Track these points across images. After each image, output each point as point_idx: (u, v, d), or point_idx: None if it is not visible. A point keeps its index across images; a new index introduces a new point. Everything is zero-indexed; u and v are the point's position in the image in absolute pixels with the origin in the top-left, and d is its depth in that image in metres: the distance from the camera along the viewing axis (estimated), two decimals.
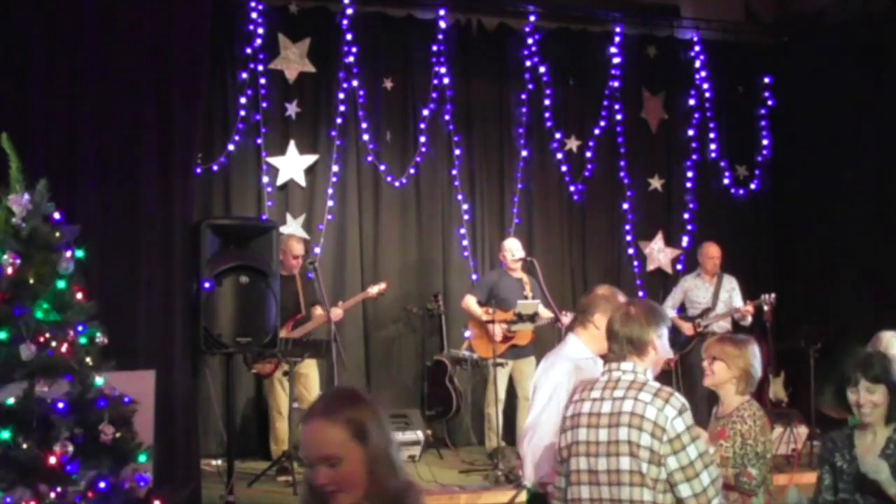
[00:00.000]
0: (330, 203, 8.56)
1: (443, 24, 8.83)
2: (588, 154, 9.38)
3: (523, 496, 4.83)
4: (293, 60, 8.52)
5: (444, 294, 8.63)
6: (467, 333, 8.23)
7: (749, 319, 8.25)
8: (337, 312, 7.52)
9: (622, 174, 9.51)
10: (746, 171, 9.89)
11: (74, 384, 4.02)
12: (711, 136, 9.75)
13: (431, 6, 8.84)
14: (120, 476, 4.04)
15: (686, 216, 9.67)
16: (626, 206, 9.51)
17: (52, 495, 3.81)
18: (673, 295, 8.63)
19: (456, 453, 8.21)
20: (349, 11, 8.54)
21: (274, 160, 8.46)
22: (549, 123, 9.26)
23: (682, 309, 8.55)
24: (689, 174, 9.69)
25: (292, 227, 8.34)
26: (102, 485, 3.94)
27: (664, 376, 3.56)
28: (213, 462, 7.32)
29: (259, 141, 8.41)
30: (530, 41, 9.12)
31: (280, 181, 8.47)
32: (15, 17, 6.00)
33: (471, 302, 7.89)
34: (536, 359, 7.02)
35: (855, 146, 8.97)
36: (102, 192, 6.06)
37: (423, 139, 8.83)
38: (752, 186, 9.90)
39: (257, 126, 8.39)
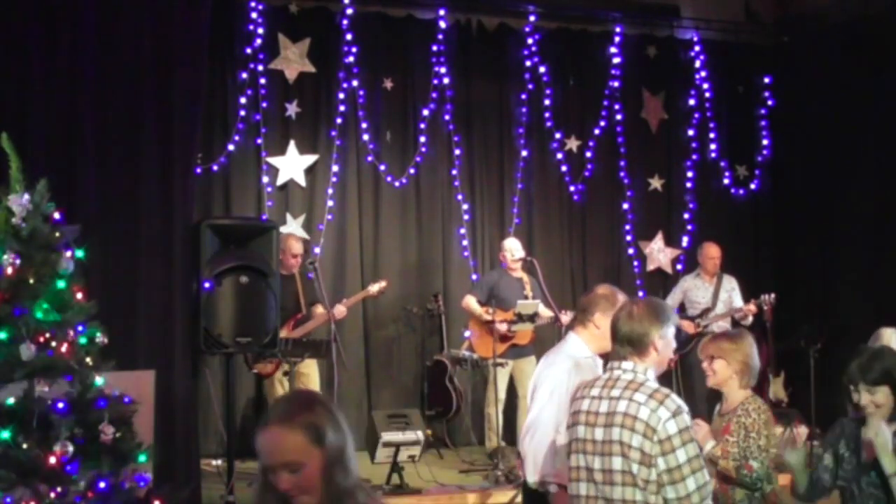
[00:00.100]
0: (330, 203, 8.56)
1: (443, 24, 8.83)
2: (588, 154, 9.38)
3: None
4: (293, 60, 8.52)
5: (444, 294, 8.63)
6: (467, 333, 8.23)
7: (750, 319, 8.25)
8: (341, 310, 7.53)
9: (622, 174, 9.51)
10: (746, 171, 9.89)
11: (74, 384, 4.02)
12: (711, 136, 9.75)
13: (431, 6, 8.83)
14: (120, 476, 4.04)
15: (686, 216, 9.67)
16: (626, 206, 9.51)
17: (52, 495, 3.82)
18: (672, 295, 8.63)
19: (456, 453, 8.21)
20: (349, 11, 8.54)
21: (274, 160, 8.46)
22: (549, 123, 9.26)
23: (681, 309, 8.55)
24: (689, 174, 9.69)
25: (292, 227, 8.34)
26: (102, 485, 3.94)
27: (663, 376, 3.52)
28: (213, 462, 7.33)
29: (259, 141, 8.41)
30: (530, 41, 9.12)
31: (280, 181, 8.47)
32: (15, 17, 6.01)
33: (471, 302, 7.89)
34: (537, 358, 7.00)
35: (855, 146, 8.96)
36: (102, 192, 6.07)
37: (423, 139, 8.83)
38: (752, 186, 9.90)
39: (257, 126, 8.39)
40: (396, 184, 8.77)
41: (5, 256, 3.98)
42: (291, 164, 8.49)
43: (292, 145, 8.50)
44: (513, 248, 7.90)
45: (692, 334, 8.33)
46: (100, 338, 4.22)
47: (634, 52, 9.49)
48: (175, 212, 6.31)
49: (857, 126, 8.92)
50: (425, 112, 8.83)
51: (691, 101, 9.70)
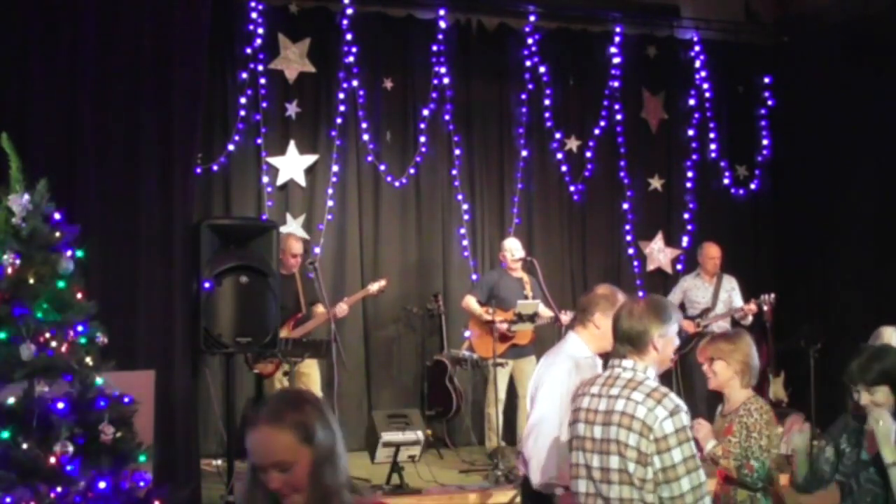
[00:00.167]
0: (330, 203, 8.56)
1: (443, 24, 8.83)
2: (588, 154, 9.38)
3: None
4: (293, 60, 8.52)
5: (444, 294, 8.63)
6: (467, 333, 8.23)
7: (750, 319, 8.25)
8: (343, 308, 7.53)
9: (622, 174, 9.51)
10: (746, 171, 9.89)
11: (74, 384, 4.02)
12: (711, 136, 9.75)
13: (431, 6, 8.83)
14: (120, 476, 4.04)
15: (686, 216, 9.67)
16: (626, 206, 9.51)
17: (52, 495, 3.82)
18: (672, 295, 8.63)
19: (456, 453, 8.21)
20: (349, 11, 8.53)
21: (274, 160, 8.46)
22: (549, 123, 9.26)
23: (681, 309, 8.54)
24: (689, 174, 9.69)
25: (292, 227, 8.34)
26: (102, 485, 3.94)
27: (663, 376, 3.51)
28: (213, 462, 7.33)
29: (259, 141, 8.41)
30: (530, 41, 9.12)
31: (280, 181, 8.47)
32: (15, 18, 6.01)
33: (471, 302, 7.89)
34: (537, 358, 7.00)
35: (855, 146, 8.96)
36: (102, 192, 6.07)
37: (423, 139, 8.83)
38: (752, 186, 9.90)
39: (257, 126, 8.39)
40: (396, 184, 8.77)
41: (5, 256, 3.98)
42: (291, 164, 8.49)
43: (292, 145, 8.50)
44: (513, 248, 7.90)
45: (692, 334, 8.33)
46: (100, 338, 4.22)
47: (634, 52, 9.49)
48: (175, 212, 6.31)
49: (857, 126, 8.91)
50: (425, 112, 8.83)
51: (691, 101, 9.70)
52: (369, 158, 8.72)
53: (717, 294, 8.42)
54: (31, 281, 4.02)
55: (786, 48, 9.81)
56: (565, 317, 7.05)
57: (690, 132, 9.71)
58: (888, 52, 8.55)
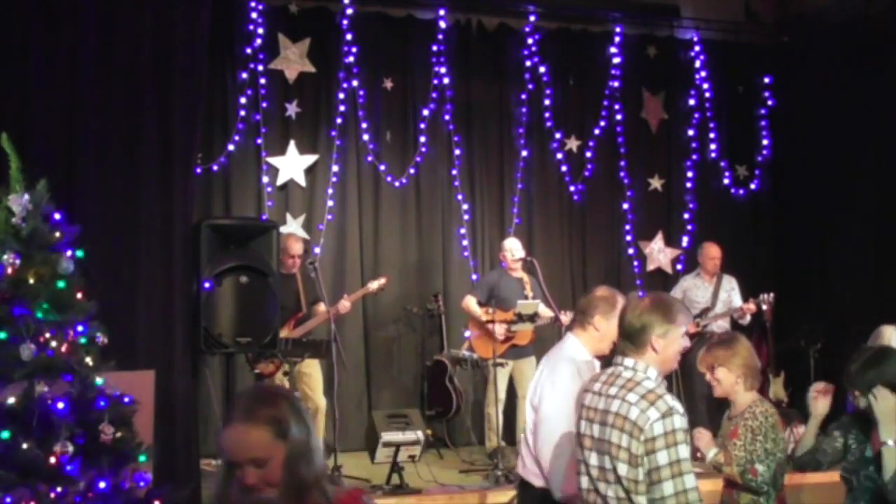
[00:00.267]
0: (330, 203, 8.56)
1: (443, 24, 8.83)
2: (588, 154, 9.38)
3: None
4: (293, 60, 8.52)
5: (444, 294, 8.63)
6: (467, 333, 8.23)
7: (748, 318, 8.25)
8: (345, 305, 7.53)
9: (622, 174, 9.51)
10: (746, 171, 9.89)
11: (74, 384, 4.02)
12: (711, 136, 9.75)
13: (431, 6, 8.83)
14: (120, 476, 4.04)
15: (686, 216, 9.67)
16: (626, 206, 9.51)
17: (52, 495, 3.81)
18: (672, 295, 8.63)
19: (456, 453, 8.21)
20: (349, 11, 8.53)
21: (274, 160, 8.46)
22: (549, 123, 9.26)
23: None
24: (689, 174, 9.69)
25: (292, 227, 8.34)
26: (102, 485, 3.94)
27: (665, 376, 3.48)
28: (213, 462, 7.31)
29: (259, 141, 8.41)
30: (530, 41, 9.12)
31: (280, 181, 8.47)
32: (15, 18, 6.01)
33: (471, 302, 7.89)
34: (537, 359, 7.01)
35: (855, 146, 8.96)
36: (102, 192, 6.07)
37: (423, 139, 8.83)
38: (752, 186, 9.90)
39: (257, 126, 8.39)
40: (396, 184, 8.77)
41: (5, 256, 3.98)
42: (291, 164, 8.49)
43: (292, 145, 8.50)
44: (513, 248, 7.89)
45: (692, 334, 8.32)
46: (100, 338, 4.22)
47: (634, 52, 9.49)
48: (175, 212, 6.30)
49: (857, 126, 8.91)
50: (425, 112, 8.83)
51: (691, 101, 9.70)
52: (369, 158, 8.72)
53: (716, 294, 8.42)
54: (31, 281, 4.01)
55: (786, 48, 9.81)
56: (565, 317, 7.04)
57: (690, 132, 9.71)
58: (888, 52, 8.55)
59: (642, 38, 9.58)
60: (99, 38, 6.11)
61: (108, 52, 6.13)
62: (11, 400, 3.88)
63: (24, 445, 3.82)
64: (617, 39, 9.39)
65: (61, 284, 4.07)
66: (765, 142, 9.93)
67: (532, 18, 9.11)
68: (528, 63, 9.12)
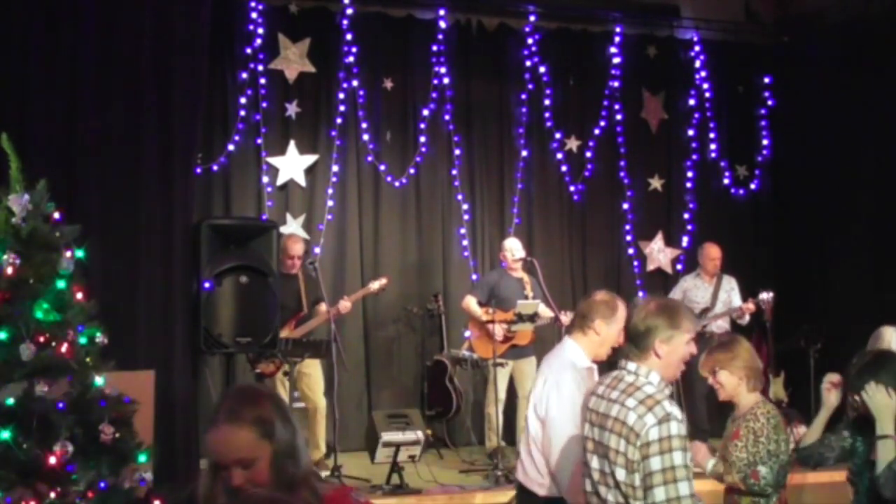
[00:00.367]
0: (330, 203, 8.56)
1: (443, 24, 8.83)
2: (588, 154, 9.37)
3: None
4: (293, 60, 8.52)
5: (444, 294, 8.63)
6: (467, 333, 8.23)
7: (747, 318, 8.25)
8: (346, 305, 7.53)
9: (622, 174, 9.50)
10: (746, 171, 9.89)
11: (74, 384, 4.02)
12: (711, 136, 9.74)
13: (431, 6, 8.83)
14: (120, 476, 4.04)
15: (686, 216, 9.67)
16: (626, 206, 9.51)
17: (52, 495, 3.81)
18: (672, 295, 8.61)
19: (456, 453, 8.21)
20: (349, 11, 8.53)
21: (274, 160, 8.46)
22: (549, 123, 9.26)
23: None
24: (689, 174, 9.69)
25: (292, 227, 8.34)
26: (102, 485, 3.94)
27: None
28: None
29: (259, 141, 8.41)
30: (530, 41, 9.12)
31: (280, 181, 8.47)
32: (15, 18, 6.01)
33: (471, 302, 7.89)
34: (537, 359, 7.02)
35: (855, 146, 8.96)
36: (102, 192, 6.07)
37: (423, 139, 8.83)
38: (752, 186, 9.89)
39: (257, 126, 8.39)
40: (396, 184, 8.76)
41: (5, 256, 3.98)
42: (291, 164, 8.49)
43: (292, 145, 8.50)
44: (513, 248, 7.89)
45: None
46: (100, 338, 4.22)
47: (634, 52, 9.49)
48: (175, 212, 6.31)
49: (857, 126, 8.91)
50: (425, 112, 8.82)
51: (691, 101, 9.70)
52: (369, 158, 8.72)
53: (716, 294, 8.42)
54: (31, 281, 4.01)
55: (786, 48, 9.81)
56: (565, 317, 7.04)
57: (690, 132, 9.71)
58: (888, 52, 8.55)
59: (642, 38, 9.58)
60: (99, 38, 6.12)
61: (108, 53, 6.14)
62: (11, 400, 3.88)
63: (24, 445, 3.82)
64: (617, 39, 9.39)
65: (61, 284, 4.07)
66: (765, 142, 9.92)
67: (532, 18, 9.11)
68: (528, 63, 9.12)
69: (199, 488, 2.39)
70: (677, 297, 8.56)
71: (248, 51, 8.31)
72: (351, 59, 8.58)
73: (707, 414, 8.16)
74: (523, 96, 9.14)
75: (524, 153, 9.18)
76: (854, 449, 3.87)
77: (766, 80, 9.87)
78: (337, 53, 8.58)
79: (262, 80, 8.37)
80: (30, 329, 3.93)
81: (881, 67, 8.64)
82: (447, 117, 8.90)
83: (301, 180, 8.52)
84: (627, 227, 9.52)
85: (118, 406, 4.14)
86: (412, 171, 8.82)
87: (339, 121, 8.60)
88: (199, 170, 7.47)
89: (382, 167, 8.73)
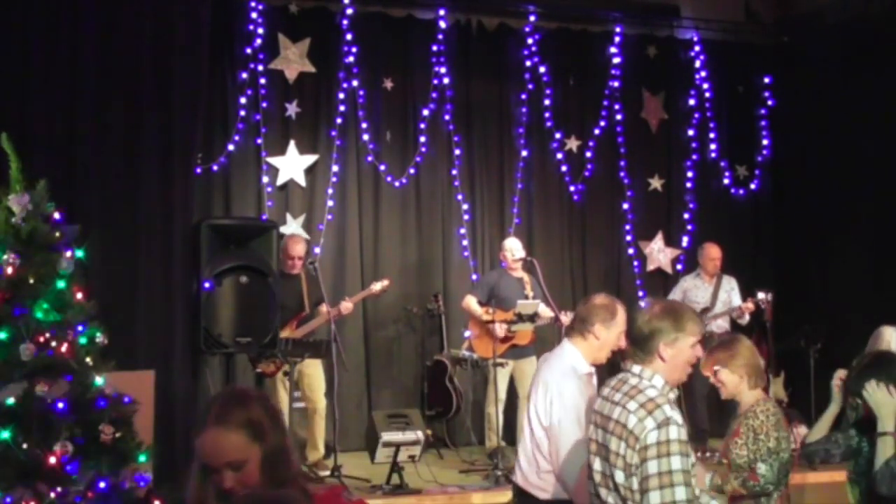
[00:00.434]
0: (330, 203, 8.56)
1: (443, 24, 8.83)
2: (588, 154, 9.37)
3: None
4: (293, 60, 8.51)
5: (444, 294, 8.62)
6: (467, 333, 8.23)
7: (747, 318, 8.25)
8: (347, 306, 7.54)
9: (622, 174, 9.50)
10: (746, 171, 9.89)
11: (74, 384, 4.02)
12: (711, 136, 9.74)
13: (431, 6, 8.83)
14: (120, 476, 4.04)
15: (686, 216, 9.67)
16: (626, 206, 9.51)
17: (52, 495, 3.82)
18: (672, 295, 8.62)
19: (456, 453, 8.21)
20: (349, 11, 8.53)
21: (274, 160, 8.45)
22: (549, 123, 9.26)
23: None
24: (689, 174, 9.68)
25: (292, 227, 8.34)
26: (102, 485, 3.94)
27: None
28: None
29: (259, 141, 8.41)
30: (530, 41, 9.11)
31: (280, 181, 8.47)
32: (15, 18, 6.02)
33: (471, 302, 7.89)
34: (537, 359, 7.01)
35: (855, 146, 8.96)
36: (102, 192, 6.08)
37: (423, 139, 8.83)
38: (752, 186, 9.89)
39: (257, 126, 8.39)
40: (396, 184, 8.76)
41: (5, 256, 3.98)
42: (291, 164, 8.49)
43: (292, 145, 8.49)
44: (513, 248, 7.89)
45: None
46: (100, 338, 4.22)
47: (634, 52, 9.48)
48: (175, 212, 6.32)
49: (857, 126, 8.91)
50: (425, 112, 8.82)
51: (691, 101, 9.70)
52: (369, 158, 8.72)
53: (716, 294, 8.42)
54: (31, 281, 4.02)
55: (786, 48, 9.81)
56: (565, 317, 7.04)
57: (690, 132, 9.70)
58: (888, 52, 8.55)
59: (642, 38, 9.57)
60: (99, 38, 6.12)
61: (108, 53, 6.14)
62: (11, 400, 3.89)
63: (24, 445, 3.82)
64: (617, 39, 9.39)
65: (61, 284, 4.08)
66: (765, 142, 9.92)
67: (532, 18, 9.10)
68: (528, 63, 9.11)
69: (188, 491, 2.39)
70: (677, 298, 8.56)
71: (248, 51, 8.31)
72: (351, 59, 8.57)
73: (707, 414, 8.17)
74: (523, 96, 9.14)
75: (524, 153, 9.17)
76: (860, 449, 3.87)
77: (766, 80, 9.86)
78: (337, 53, 8.58)
79: (262, 80, 8.37)
80: (30, 329, 3.94)
81: (881, 67, 8.64)
82: (447, 117, 8.89)
83: (301, 180, 8.51)
84: (627, 227, 9.51)
85: (118, 406, 4.15)
86: (412, 171, 8.82)
87: (339, 121, 8.59)
88: (199, 170, 7.48)
89: (382, 167, 8.72)
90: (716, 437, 8.05)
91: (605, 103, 9.40)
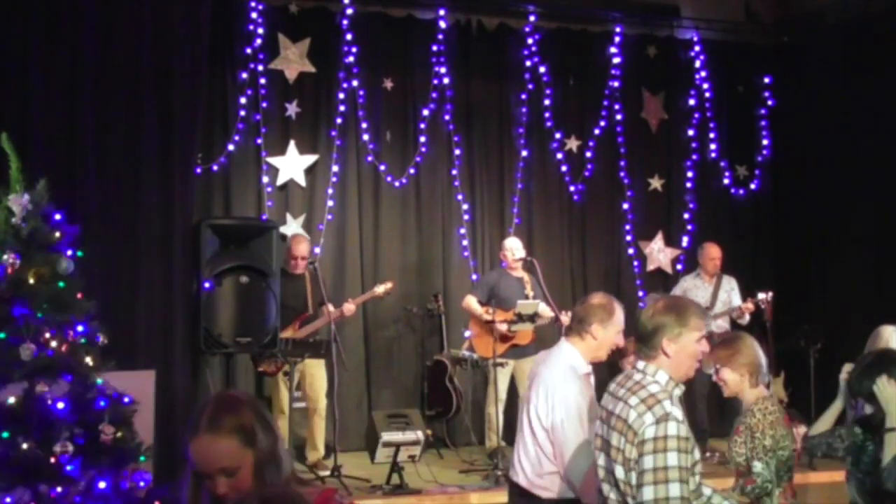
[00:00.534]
0: (330, 203, 8.56)
1: (443, 24, 8.83)
2: (588, 154, 9.37)
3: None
4: (293, 60, 8.51)
5: (444, 294, 8.62)
6: (467, 333, 8.23)
7: (747, 318, 8.25)
8: (349, 308, 7.54)
9: (622, 174, 9.50)
10: (746, 171, 9.89)
11: (74, 384, 4.02)
12: (711, 136, 9.74)
13: (431, 6, 8.83)
14: (120, 476, 4.05)
15: (686, 216, 9.67)
16: (626, 206, 9.50)
17: (52, 495, 3.82)
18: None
19: (456, 453, 8.21)
20: (349, 11, 8.53)
21: (274, 160, 8.45)
22: (549, 123, 9.26)
23: None
24: (689, 174, 9.68)
25: (292, 227, 8.34)
26: (102, 485, 3.95)
27: None
28: None
29: (259, 141, 8.41)
30: (530, 41, 9.11)
31: (280, 181, 8.47)
32: (15, 18, 6.02)
33: (471, 302, 7.89)
34: None
35: (855, 146, 8.96)
36: (102, 192, 6.08)
37: (423, 139, 8.82)
38: (752, 186, 9.89)
39: (257, 126, 8.39)
40: (396, 184, 8.76)
41: (5, 256, 3.99)
42: (291, 164, 8.49)
43: (292, 145, 8.49)
44: (514, 248, 7.89)
45: None
46: (100, 338, 4.22)
47: (634, 52, 9.48)
48: (175, 212, 6.32)
49: (858, 126, 8.91)
50: (425, 112, 8.82)
51: (691, 101, 9.69)
52: (369, 158, 8.72)
53: (716, 294, 8.42)
54: (31, 281, 4.03)
55: (786, 48, 9.81)
56: (565, 317, 7.04)
57: (690, 132, 9.70)
58: (888, 52, 8.55)
59: (642, 38, 9.57)
60: (99, 38, 6.13)
61: (108, 53, 6.14)
62: (11, 400, 3.89)
63: (24, 445, 3.83)
64: (617, 39, 9.39)
65: (61, 284, 4.08)
66: (765, 142, 9.92)
67: (532, 18, 9.10)
68: (528, 63, 9.11)
69: (184, 496, 2.39)
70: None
71: (248, 51, 8.31)
72: (351, 59, 8.57)
73: (707, 414, 8.17)
74: (523, 96, 9.14)
75: (524, 153, 9.17)
76: (864, 447, 3.86)
77: (766, 80, 9.86)
78: (337, 53, 8.58)
79: (262, 80, 8.36)
80: (30, 329, 3.94)
81: (881, 67, 8.64)
82: (447, 117, 8.89)
83: (301, 180, 8.51)
84: (627, 227, 9.51)
85: (118, 406, 4.15)
86: (412, 171, 8.82)
87: (339, 121, 8.59)
88: (199, 170, 7.48)
89: (382, 167, 8.72)
90: (716, 437, 8.06)
91: (605, 103, 9.40)
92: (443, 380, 8.09)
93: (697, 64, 9.65)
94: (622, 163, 9.49)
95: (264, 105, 8.39)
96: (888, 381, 3.69)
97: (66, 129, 6.04)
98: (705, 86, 9.67)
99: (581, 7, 9.33)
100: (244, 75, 8.30)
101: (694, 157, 9.71)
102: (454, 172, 8.95)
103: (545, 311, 7.55)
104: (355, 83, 8.62)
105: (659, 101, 9.66)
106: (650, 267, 9.56)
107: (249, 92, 8.33)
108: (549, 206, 9.28)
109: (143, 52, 6.24)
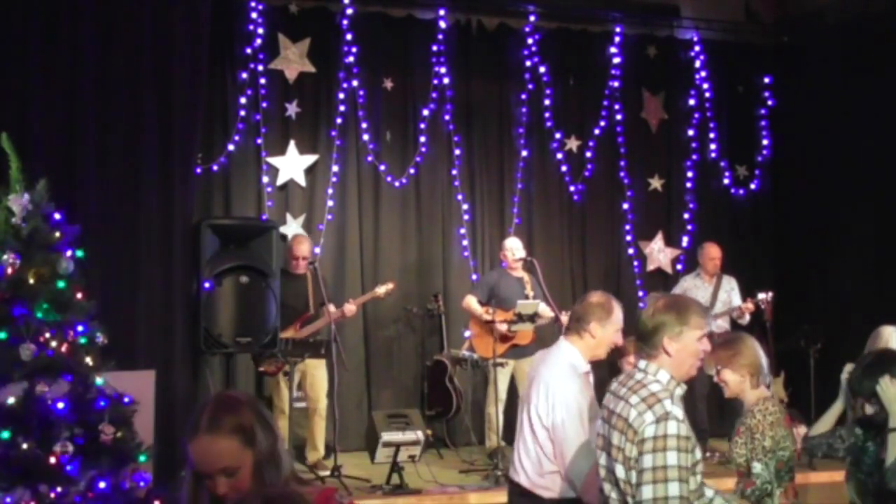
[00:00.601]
0: (330, 203, 8.56)
1: (443, 24, 8.83)
2: (588, 154, 9.37)
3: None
4: (293, 60, 8.51)
5: (444, 294, 8.62)
6: (467, 333, 8.23)
7: (747, 318, 8.25)
8: (350, 308, 7.54)
9: (622, 174, 9.50)
10: (746, 171, 9.89)
11: (74, 384, 4.03)
12: (711, 136, 9.74)
13: (431, 6, 8.83)
14: (120, 476, 4.05)
15: (686, 216, 9.67)
16: (626, 206, 9.51)
17: (52, 495, 3.82)
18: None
19: (456, 453, 8.21)
20: (349, 11, 8.53)
21: (274, 160, 8.45)
22: (549, 123, 9.26)
23: None
24: (689, 174, 9.68)
25: (292, 227, 8.34)
26: (102, 485, 3.95)
27: None
28: None
29: (259, 141, 8.41)
30: (530, 41, 9.11)
31: (280, 181, 8.47)
32: (15, 18, 6.02)
33: (471, 301, 7.89)
34: None
35: (855, 146, 8.96)
36: (102, 192, 6.08)
37: (423, 139, 8.83)
38: (752, 186, 9.89)
39: (257, 126, 8.39)
40: (396, 184, 8.76)
41: (5, 256, 3.99)
42: (291, 164, 8.49)
43: (292, 145, 8.50)
44: (514, 248, 7.90)
45: None
46: (100, 338, 4.22)
47: (634, 52, 9.48)
48: (175, 212, 6.32)
49: (857, 126, 8.91)
50: (425, 112, 8.82)
51: (691, 101, 9.70)
52: (369, 158, 8.72)
53: (716, 294, 8.42)
54: (31, 281, 4.03)
55: (786, 48, 9.81)
56: (565, 317, 7.03)
57: (690, 132, 9.70)
58: (888, 52, 8.55)
59: (642, 38, 9.57)
60: (99, 38, 6.13)
61: (108, 53, 6.14)
62: (11, 400, 3.89)
63: (24, 445, 3.83)
64: (617, 39, 9.39)
65: (61, 284, 4.08)
66: (765, 142, 9.92)
67: (532, 18, 9.10)
68: (528, 63, 9.11)
69: (183, 496, 2.39)
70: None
71: (248, 51, 8.31)
72: (351, 59, 8.58)
73: (707, 414, 8.16)
74: (523, 96, 9.14)
75: (524, 153, 9.17)
76: (865, 447, 3.86)
77: (766, 80, 9.86)
78: (337, 53, 8.58)
79: (262, 80, 8.37)
80: (30, 329, 3.94)
81: (881, 67, 8.64)
82: (447, 117, 8.89)
83: (301, 180, 8.51)
84: (627, 227, 9.51)
85: (118, 406, 4.15)
86: (412, 171, 8.82)
87: (339, 121, 8.59)
88: (199, 170, 7.48)
89: (382, 167, 8.72)
90: (716, 437, 8.06)
91: (605, 103, 9.41)
92: (443, 380, 8.09)
93: (697, 64, 9.65)
94: (622, 163, 9.49)
95: (264, 105, 8.39)
96: (891, 381, 3.69)
97: (66, 129, 6.04)
98: (705, 86, 9.67)
99: (581, 7, 9.33)
100: (244, 75, 8.30)
101: (694, 157, 9.71)
102: (454, 172, 8.95)
103: (545, 311, 7.55)
104: (355, 83, 8.62)
105: (659, 101, 9.66)
106: (650, 267, 9.56)
107: (249, 92, 8.34)
108: (549, 206, 9.28)
109: (143, 51, 6.24)
